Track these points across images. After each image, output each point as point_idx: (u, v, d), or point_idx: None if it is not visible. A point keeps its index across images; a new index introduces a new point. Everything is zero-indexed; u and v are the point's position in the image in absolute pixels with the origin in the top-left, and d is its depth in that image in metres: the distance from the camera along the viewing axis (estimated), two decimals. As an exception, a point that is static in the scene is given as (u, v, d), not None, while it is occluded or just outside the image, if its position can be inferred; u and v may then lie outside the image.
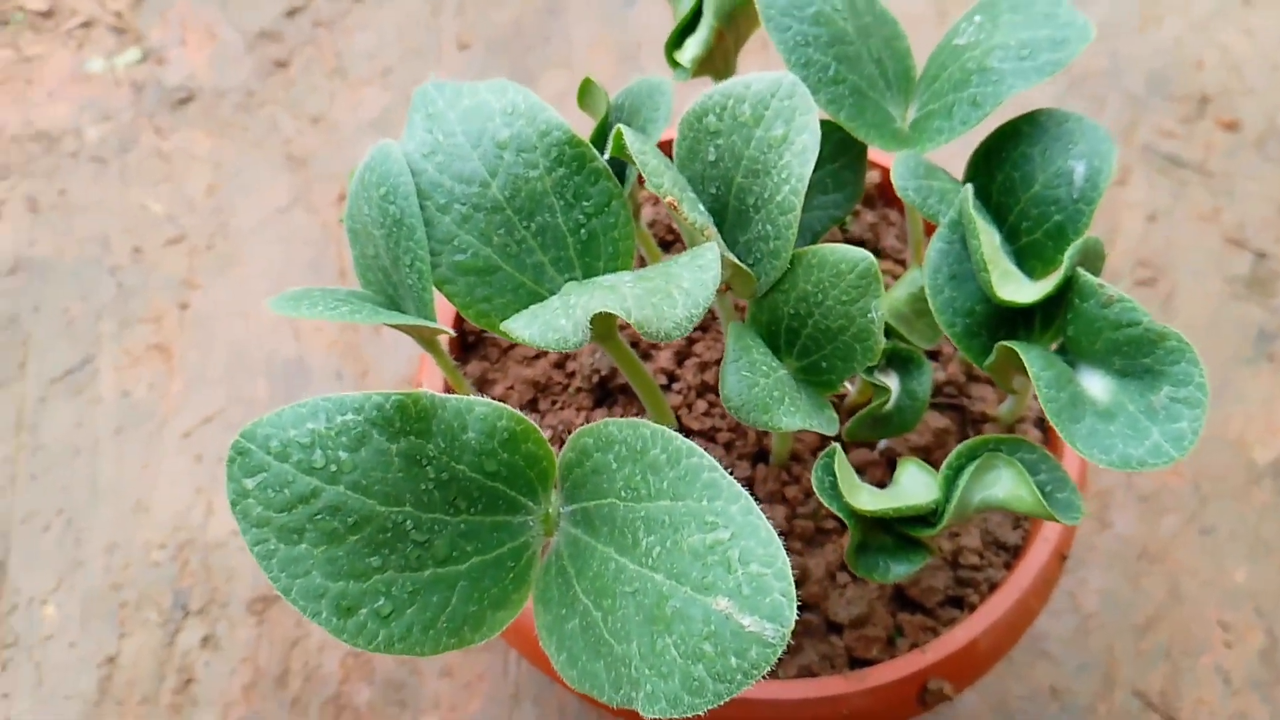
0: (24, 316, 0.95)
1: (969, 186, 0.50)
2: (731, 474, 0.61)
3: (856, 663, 0.58)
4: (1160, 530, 0.84)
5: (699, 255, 0.48)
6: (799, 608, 0.59)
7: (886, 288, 0.60)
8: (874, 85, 0.56)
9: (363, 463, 0.43)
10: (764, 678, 0.57)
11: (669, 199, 0.49)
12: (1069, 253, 0.48)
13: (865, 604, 0.58)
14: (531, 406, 0.66)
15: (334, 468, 0.43)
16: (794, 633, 0.59)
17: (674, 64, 0.62)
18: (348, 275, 0.96)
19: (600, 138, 0.58)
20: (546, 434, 0.64)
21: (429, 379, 0.66)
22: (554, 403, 0.66)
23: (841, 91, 0.55)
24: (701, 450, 0.42)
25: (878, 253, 0.71)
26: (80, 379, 0.92)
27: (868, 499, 0.49)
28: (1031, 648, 0.79)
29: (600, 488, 0.45)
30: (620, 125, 0.50)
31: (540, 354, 0.67)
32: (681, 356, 0.66)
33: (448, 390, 0.65)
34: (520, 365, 0.67)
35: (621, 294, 0.45)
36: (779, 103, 0.51)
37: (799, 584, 0.59)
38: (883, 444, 0.63)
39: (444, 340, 0.64)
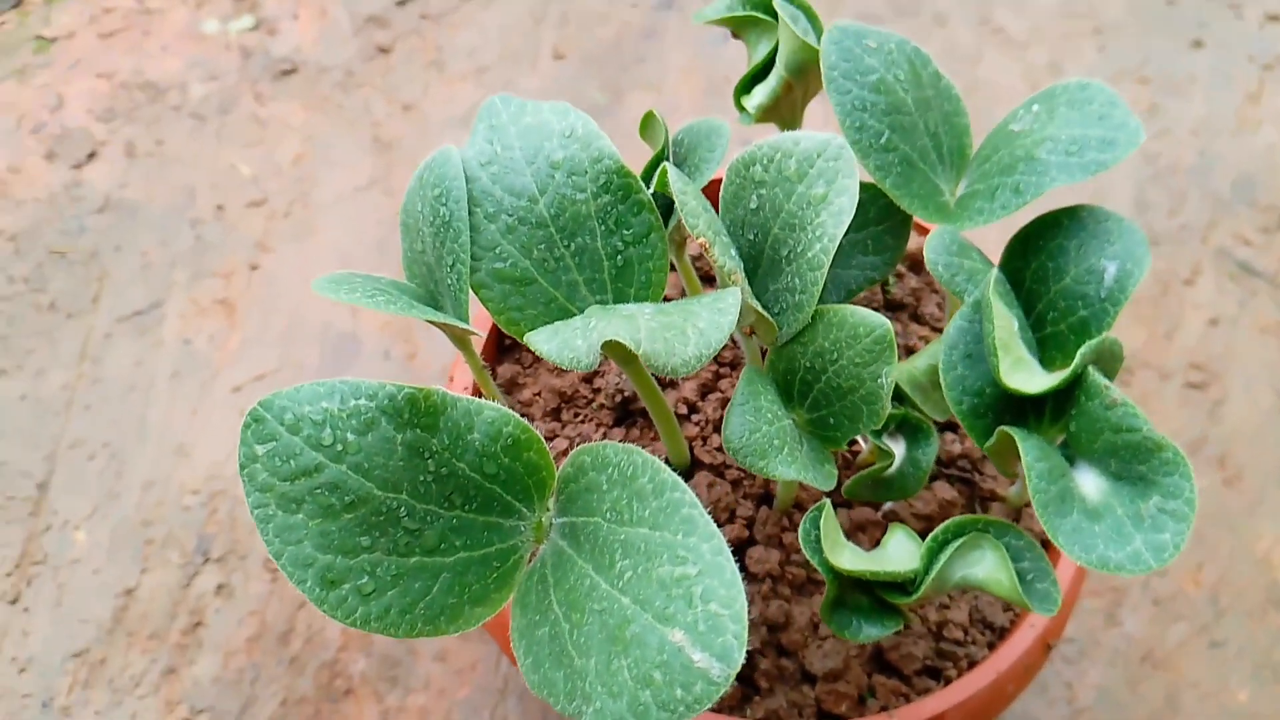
0: (105, 254, 1.00)
1: (996, 270, 0.51)
2: (735, 512, 0.63)
3: (824, 715, 0.59)
4: (1169, 636, 0.83)
5: (720, 298, 0.50)
6: (776, 653, 0.61)
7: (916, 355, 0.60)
8: (925, 157, 0.57)
9: (368, 446, 0.46)
10: (730, 714, 0.59)
11: (702, 240, 0.51)
12: (1082, 350, 0.49)
13: (842, 659, 0.59)
14: (554, 416, 0.68)
15: (340, 447, 0.45)
16: (768, 676, 0.60)
17: (741, 108, 0.64)
18: (412, 261, 1.00)
19: (653, 171, 0.60)
20: (563, 445, 0.66)
21: (460, 374, 0.68)
22: (576, 415, 0.68)
23: (891, 159, 0.56)
24: (685, 486, 0.44)
25: (917, 318, 0.72)
26: (147, 321, 0.96)
27: (849, 558, 0.51)
28: (1017, 731, 0.79)
29: (590, 505, 0.47)
30: (666, 163, 0.52)
31: (571, 366, 0.69)
32: (706, 390, 0.67)
33: (475, 389, 0.67)
34: (551, 374, 0.69)
35: (637, 325, 0.47)
36: (824, 163, 0.52)
37: (781, 629, 0.60)
38: (887, 506, 0.64)
39: (477, 341, 0.66)
